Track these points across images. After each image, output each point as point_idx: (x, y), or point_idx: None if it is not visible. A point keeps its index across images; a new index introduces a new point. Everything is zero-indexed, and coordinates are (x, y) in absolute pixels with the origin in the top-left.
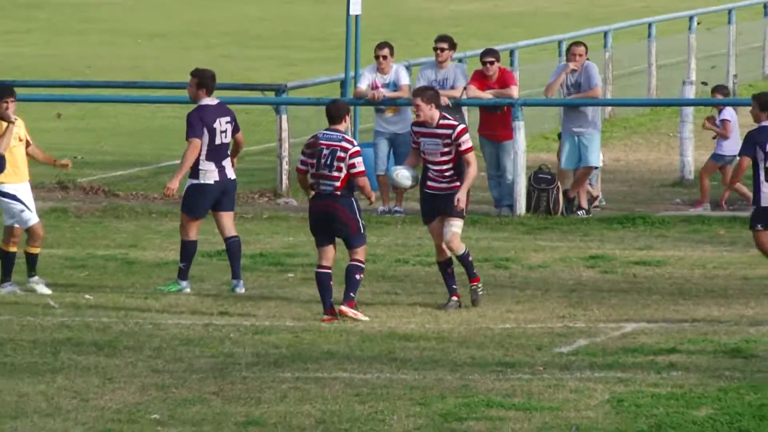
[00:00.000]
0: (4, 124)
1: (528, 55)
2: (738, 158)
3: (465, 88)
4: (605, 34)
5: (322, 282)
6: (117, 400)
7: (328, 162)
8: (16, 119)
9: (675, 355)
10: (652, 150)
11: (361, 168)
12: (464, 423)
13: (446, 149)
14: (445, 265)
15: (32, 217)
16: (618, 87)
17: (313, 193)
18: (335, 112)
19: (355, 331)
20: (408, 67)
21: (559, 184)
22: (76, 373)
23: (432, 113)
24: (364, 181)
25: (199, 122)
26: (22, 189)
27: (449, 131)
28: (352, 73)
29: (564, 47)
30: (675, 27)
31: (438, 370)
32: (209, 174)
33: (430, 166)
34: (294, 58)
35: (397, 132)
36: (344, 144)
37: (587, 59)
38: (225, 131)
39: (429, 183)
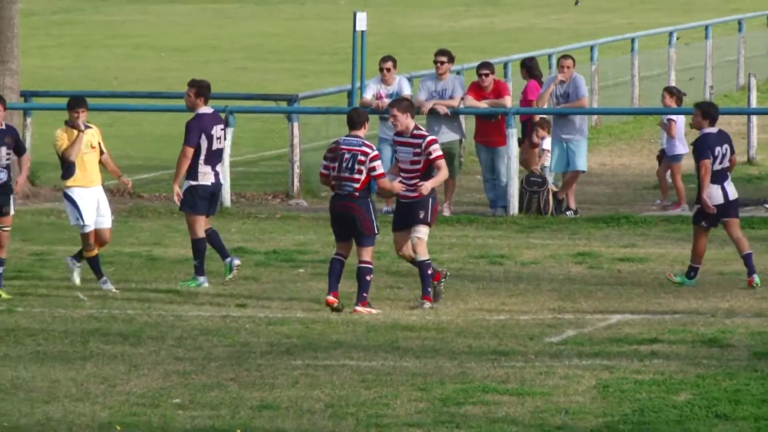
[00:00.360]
0: (76, 132)
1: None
2: (686, 163)
3: (462, 98)
4: (592, 48)
5: (335, 266)
6: (141, 386)
7: (349, 165)
8: (87, 128)
9: (656, 345)
10: (635, 155)
11: (381, 170)
12: (462, 407)
13: (416, 158)
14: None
15: (86, 225)
16: (603, 97)
17: (333, 193)
18: (356, 118)
19: (361, 322)
20: (410, 79)
21: (550, 186)
22: (103, 360)
23: (408, 122)
24: (384, 182)
25: (197, 130)
26: (87, 194)
27: (420, 141)
28: (358, 84)
29: (554, 60)
30: (656, 42)
31: (437, 358)
32: (207, 176)
33: (402, 174)
34: (305, 70)
35: None
36: (364, 149)
37: (575, 71)
38: (220, 138)
39: (404, 191)
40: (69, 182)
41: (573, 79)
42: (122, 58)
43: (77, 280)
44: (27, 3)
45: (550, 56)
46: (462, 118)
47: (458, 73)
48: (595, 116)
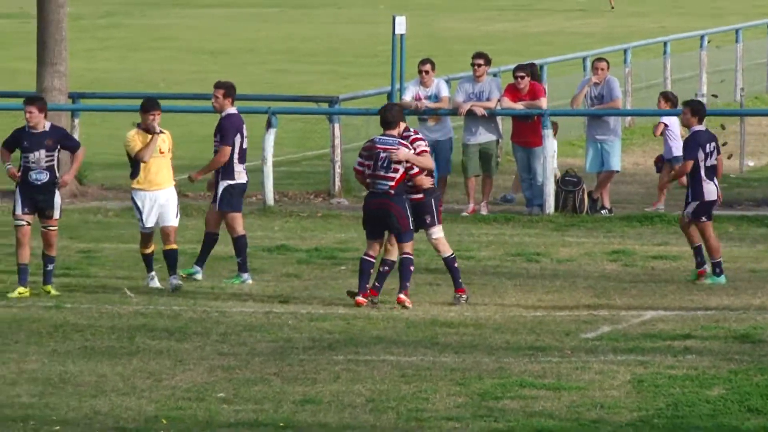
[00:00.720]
0: (147, 134)
1: (556, 70)
2: (681, 161)
3: (499, 100)
4: (625, 51)
5: (365, 267)
6: (187, 380)
7: (385, 164)
8: (160, 131)
9: (690, 341)
10: None
11: (417, 168)
12: (500, 401)
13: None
14: (383, 263)
15: (144, 224)
16: (637, 98)
17: (367, 192)
18: (390, 117)
19: (401, 318)
20: (448, 81)
21: (584, 186)
22: (150, 356)
23: (398, 128)
24: (421, 179)
25: (234, 130)
26: (148, 197)
27: (405, 141)
28: (397, 86)
29: (588, 63)
30: (688, 45)
31: (476, 353)
32: (241, 174)
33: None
34: (345, 72)
35: (438, 139)
36: (400, 148)
37: (609, 74)
38: (247, 137)
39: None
40: (134, 183)
41: (607, 81)
42: (166, 60)
43: (155, 284)
44: (75, 7)
45: (584, 59)
46: (499, 119)
47: (495, 75)
48: (629, 117)
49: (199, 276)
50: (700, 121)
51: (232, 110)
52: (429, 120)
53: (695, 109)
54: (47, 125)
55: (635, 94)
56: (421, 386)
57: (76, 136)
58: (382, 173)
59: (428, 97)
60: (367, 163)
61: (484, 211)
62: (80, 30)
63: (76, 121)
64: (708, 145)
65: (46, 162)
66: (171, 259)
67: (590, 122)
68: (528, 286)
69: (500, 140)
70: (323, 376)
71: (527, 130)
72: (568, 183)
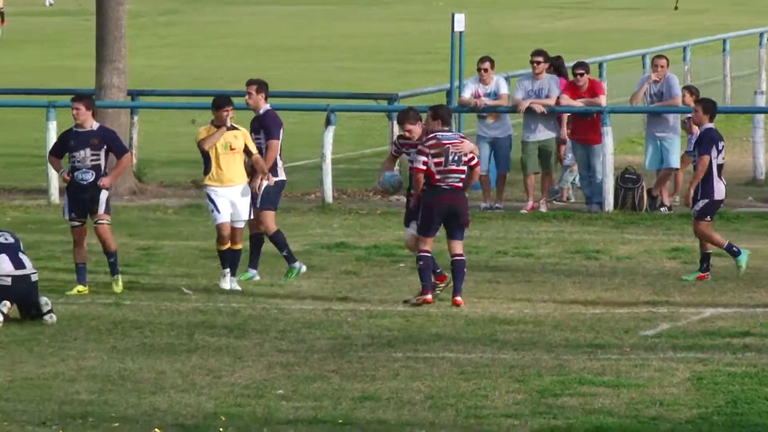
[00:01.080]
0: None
1: (615, 67)
2: (695, 158)
3: (559, 97)
4: (684, 48)
5: (428, 263)
6: (246, 377)
7: (456, 158)
8: (233, 128)
9: (749, 338)
10: (727, 153)
11: (477, 159)
12: (559, 398)
13: None
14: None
15: (219, 217)
16: None
17: (434, 188)
18: (448, 117)
19: (460, 316)
20: (507, 78)
21: (643, 183)
22: (209, 352)
23: (419, 130)
24: (478, 170)
25: (277, 125)
26: (222, 192)
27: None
28: (456, 84)
29: (647, 60)
30: (747, 42)
31: (535, 350)
32: (282, 171)
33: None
34: (404, 70)
35: (497, 136)
36: (464, 141)
37: (668, 71)
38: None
39: (413, 191)
40: (206, 180)
41: (666, 78)
42: (225, 58)
43: (226, 285)
44: (134, 4)
45: (643, 56)
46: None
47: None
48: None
49: (257, 278)
50: (711, 119)
51: (268, 106)
52: (488, 117)
53: (707, 107)
54: (95, 125)
55: None
56: (480, 383)
57: (135, 133)
58: (454, 167)
59: (487, 95)
60: (435, 161)
61: (543, 209)
62: (139, 27)
63: (135, 118)
64: (719, 143)
65: (92, 161)
66: (234, 258)
67: (650, 120)
68: (587, 283)
69: (559, 138)
70: (382, 373)
71: (587, 128)
72: (627, 180)
